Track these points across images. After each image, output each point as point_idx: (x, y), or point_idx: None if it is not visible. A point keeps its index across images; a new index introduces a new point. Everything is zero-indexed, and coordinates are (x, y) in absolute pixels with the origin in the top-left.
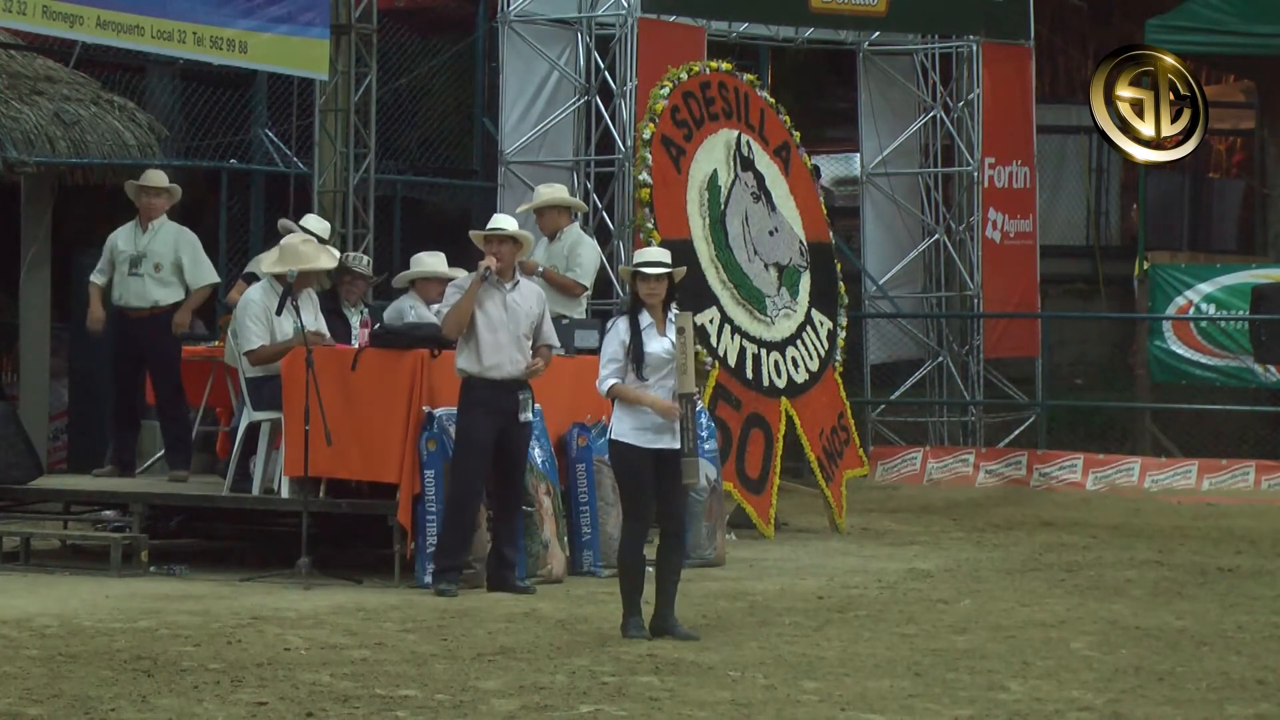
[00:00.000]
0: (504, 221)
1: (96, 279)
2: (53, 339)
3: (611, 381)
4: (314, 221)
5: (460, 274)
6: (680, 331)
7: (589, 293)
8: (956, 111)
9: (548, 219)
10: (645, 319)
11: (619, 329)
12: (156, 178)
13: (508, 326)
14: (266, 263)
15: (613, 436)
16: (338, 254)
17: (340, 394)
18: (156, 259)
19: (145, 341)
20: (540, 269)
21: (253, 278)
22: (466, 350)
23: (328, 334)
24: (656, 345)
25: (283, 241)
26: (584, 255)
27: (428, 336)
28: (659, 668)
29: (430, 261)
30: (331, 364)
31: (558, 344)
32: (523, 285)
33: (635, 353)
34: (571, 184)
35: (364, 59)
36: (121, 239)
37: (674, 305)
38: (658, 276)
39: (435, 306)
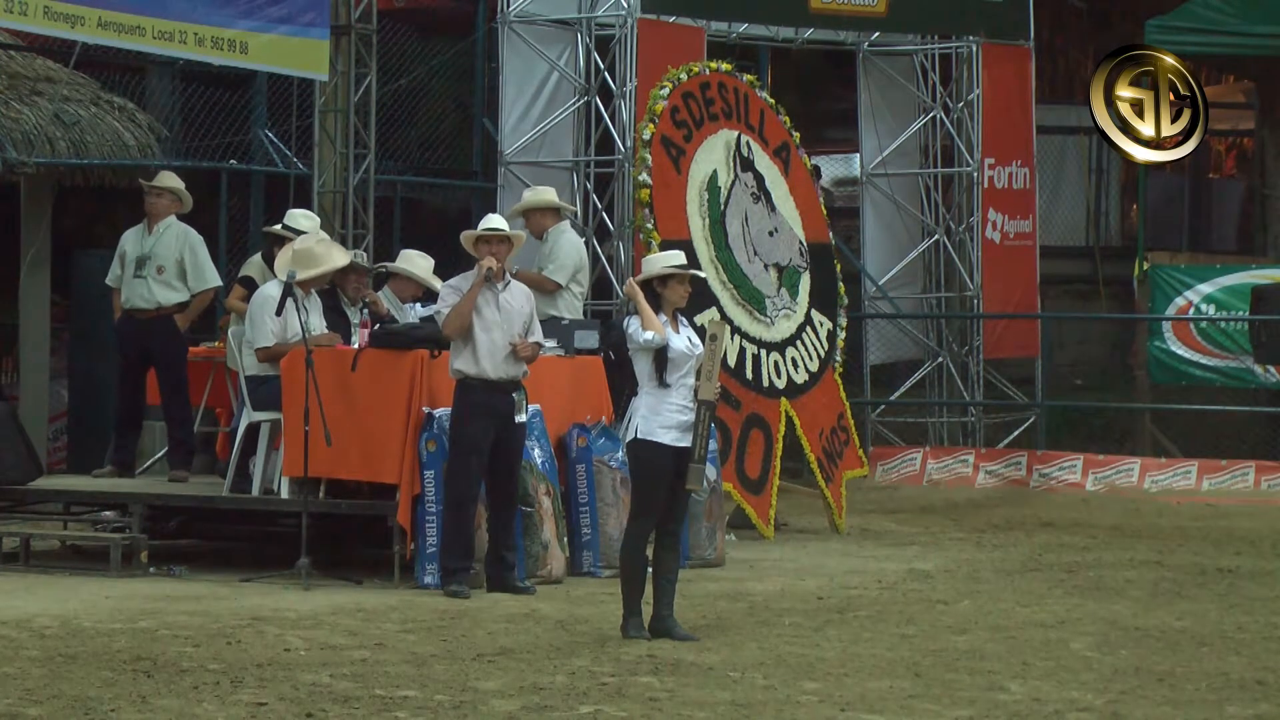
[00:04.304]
0: (497, 222)
1: (110, 281)
2: (53, 339)
3: (646, 333)
4: (303, 220)
5: (438, 283)
6: (713, 339)
7: (571, 290)
8: (956, 112)
9: (535, 220)
10: (660, 319)
11: (637, 330)
12: (161, 177)
13: (502, 327)
14: (282, 265)
15: (640, 436)
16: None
17: (340, 394)
18: (160, 261)
19: (151, 342)
20: (514, 269)
21: (250, 282)
22: (463, 352)
23: (340, 338)
24: (677, 343)
25: (295, 244)
26: (560, 251)
27: (427, 337)
28: (659, 668)
29: (419, 264)
30: (331, 364)
31: (546, 342)
32: (513, 285)
33: (658, 353)
34: (571, 184)
35: (364, 59)
36: (129, 241)
37: (685, 321)
38: (692, 278)
39: (410, 306)
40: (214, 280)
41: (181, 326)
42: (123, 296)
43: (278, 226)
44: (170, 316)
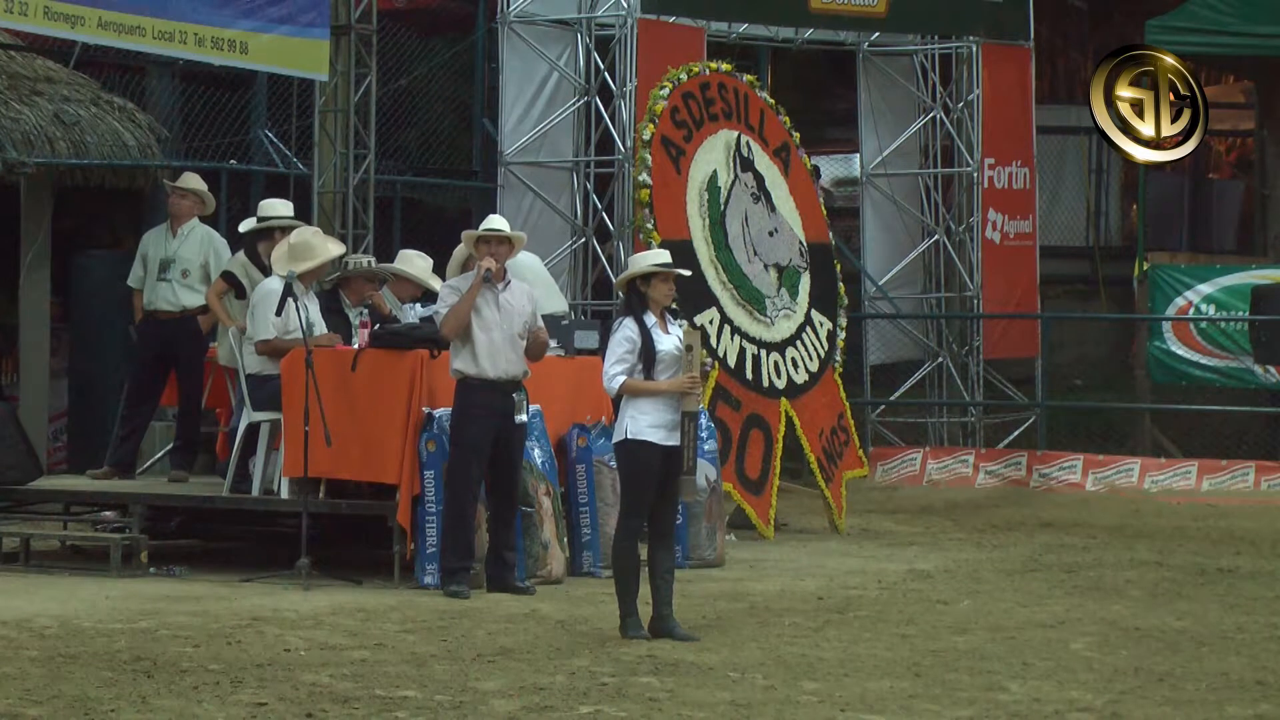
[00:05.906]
0: (498, 223)
1: (132, 283)
2: (53, 339)
3: (622, 379)
4: (280, 206)
5: (437, 283)
6: (689, 349)
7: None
8: (956, 112)
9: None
10: (649, 319)
11: (626, 329)
12: (184, 179)
13: (502, 327)
14: (279, 259)
15: (628, 436)
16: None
17: (340, 394)
18: (184, 265)
19: (173, 344)
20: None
21: (231, 276)
22: (463, 352)
23: (339, 338)
24: (666, 344)
25: (291, 237)
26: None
27: (427, 337)
28: (659, 668)
29: (417, 264)
30: (331, 364)
31: (549, 340)
32: (514, 285)
33: (647, 353)
34: (571, 184)
35: (364, 59)
36: (151, 243)
37: (675, 320)
38: (676, 276)
39: (409, 306)
40: None
41: (205, 329)
42: (145, 299)
43: (253, 221)
44: (194, 318)
